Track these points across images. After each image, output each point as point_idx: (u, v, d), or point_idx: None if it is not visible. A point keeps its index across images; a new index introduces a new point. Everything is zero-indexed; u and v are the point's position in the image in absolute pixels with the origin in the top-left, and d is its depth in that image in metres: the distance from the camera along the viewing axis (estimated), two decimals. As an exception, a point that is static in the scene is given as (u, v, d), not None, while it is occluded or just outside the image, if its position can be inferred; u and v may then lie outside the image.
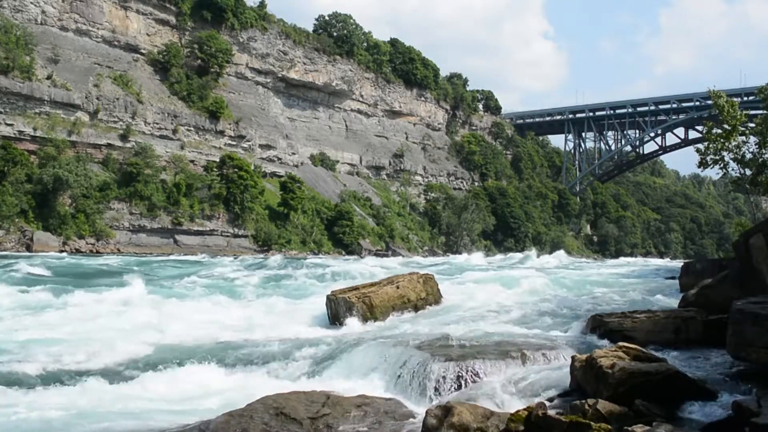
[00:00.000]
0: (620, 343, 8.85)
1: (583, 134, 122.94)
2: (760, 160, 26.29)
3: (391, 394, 9.56)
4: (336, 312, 15.84)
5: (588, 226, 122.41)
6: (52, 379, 10.66)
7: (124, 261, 39.75)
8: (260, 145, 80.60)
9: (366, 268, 30.85)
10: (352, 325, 15.06)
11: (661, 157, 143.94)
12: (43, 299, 18.57)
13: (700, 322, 11.27)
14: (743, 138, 27.03)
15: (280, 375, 10.98)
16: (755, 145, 26.76)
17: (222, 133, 75.17)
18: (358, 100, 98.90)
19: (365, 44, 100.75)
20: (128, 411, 8.98)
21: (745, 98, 71.13)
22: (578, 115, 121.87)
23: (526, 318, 15.26)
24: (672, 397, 7.30)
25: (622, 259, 77.06)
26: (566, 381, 8.67)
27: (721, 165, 26.90)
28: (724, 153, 26.43)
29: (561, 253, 71.75)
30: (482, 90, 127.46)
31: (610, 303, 17.91)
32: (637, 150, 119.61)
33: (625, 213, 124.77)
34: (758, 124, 29.53)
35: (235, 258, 49.77)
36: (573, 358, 8.73)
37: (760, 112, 40.17)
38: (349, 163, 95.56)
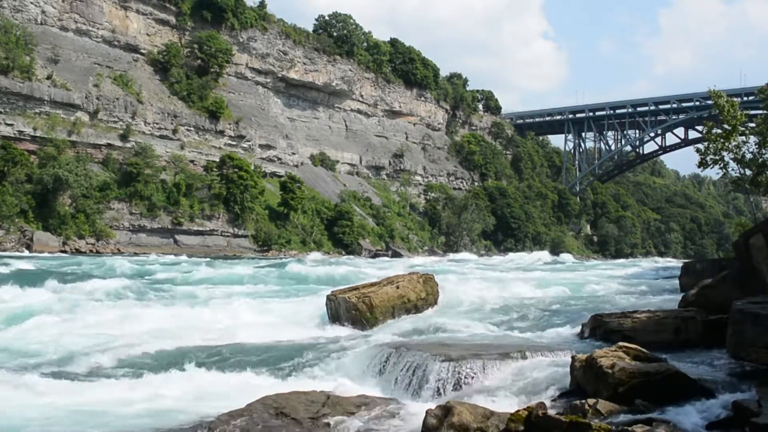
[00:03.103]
0: (620, 343, 8.85)
1: (583, 134, 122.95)
2: (760, 160, 26.21)
3: (390, 394, 9.57)
4: (336, 312, 15.85)
5: (588, 226, 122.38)
6: (56, 376, 10.68)
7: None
8: (260, 145, 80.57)
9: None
10: (352, 325, 15.07)
11: (661, 157, 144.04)
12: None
13: (700, 322, 11.27)
14: (743, 138, 26.95)
15: (280, 375, 10.99)
16: (755, 145, 26.66)
17: (222, 133, 75.15)
18: (358, 100, 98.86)
19: (365, 44, 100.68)
20: (130, 410, 9.00)
21: (745, 98, 71.04)
22: (578, 115, 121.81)
23: (526, 318, 15.27)
24: (672, 397, 7.31)
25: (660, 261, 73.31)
26: (566, 381, 8.67)
27: (721, 165, 26.79)
28: (724, 153, 26.32)
29: (568, 257, 72.29)
30: (482, 90, 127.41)
31: (610, 303, 17.92)
32: (637, 150, 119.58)
33: (625, 213, 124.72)
34: (758, 124, 29.49)
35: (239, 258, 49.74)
36: (573, 358, 8.74)
37: (760, 112, 40.14)
38: (349, 163, 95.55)
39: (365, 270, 32.39)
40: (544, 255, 72.51)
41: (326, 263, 43.25)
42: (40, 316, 15.91)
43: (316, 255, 61.24)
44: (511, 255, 75.16)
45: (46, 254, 47.07)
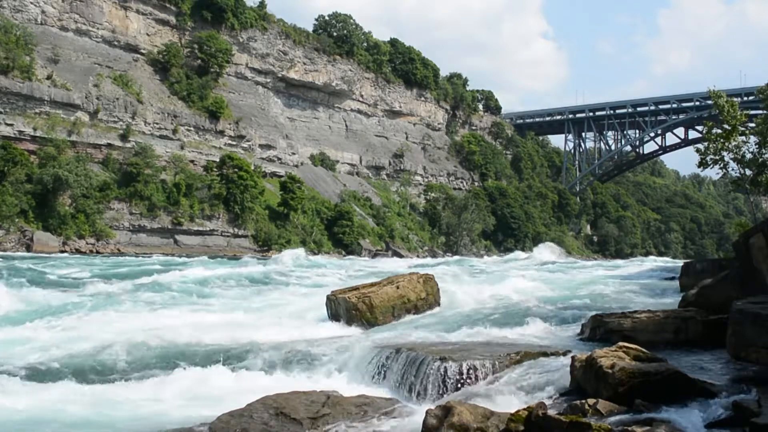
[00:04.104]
0: (620, 343, 8.84)
1: (583, 134, 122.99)
2: (760, 160, 26.20)
3: (391, 394, 9.58)
4: (336, 312, 15.85)
5: (588, 226, 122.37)
6: (56, 376, 10.68)
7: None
8: (260, 145, 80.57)
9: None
10: (353, 325, 15.07)
11: (661, 157, 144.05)
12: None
13: (700, 322, 11.27)
14: (743, 138, 26.93)
15: (280, 375, 10.99)
16: (755, 145, 26.65)
17: (222, 133, 75.15)
18: (358, 100, 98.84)
19: (365, 44, 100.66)
20: (131, 410, 9.00)
21: (745, 98, 71.06)
22: (578, 115, 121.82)
23: (525, 318, 15.24)
24: (672, 397, 7.30)
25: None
26: (566, 381, 8.67)
27: (721, 165, 26.77)
28: (724, 153, 26.29)
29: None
30: (482, 90, 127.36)
31: (610, 303, 17.92)
32: (637, 150, 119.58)
33: (625, 213, 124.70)
34: (758, 124, 29.47)
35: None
36: (573, 358, 8.73)
37: (760, 112, 40.13)
38: (349, 163, 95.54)
39: (325, 278, 28.71)
40: (549, 252, 65.94)
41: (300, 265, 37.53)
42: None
43: (291, 255, 44.19)
44: (509, 256, 73.73)
45: (44, 254, 47.06)
